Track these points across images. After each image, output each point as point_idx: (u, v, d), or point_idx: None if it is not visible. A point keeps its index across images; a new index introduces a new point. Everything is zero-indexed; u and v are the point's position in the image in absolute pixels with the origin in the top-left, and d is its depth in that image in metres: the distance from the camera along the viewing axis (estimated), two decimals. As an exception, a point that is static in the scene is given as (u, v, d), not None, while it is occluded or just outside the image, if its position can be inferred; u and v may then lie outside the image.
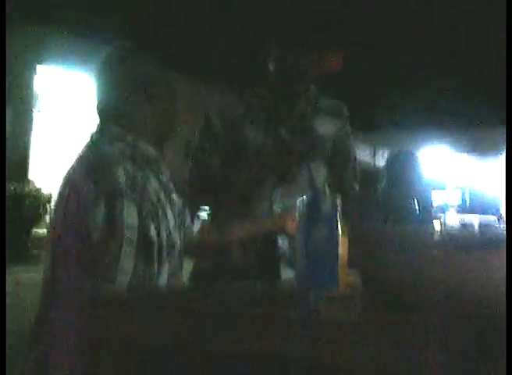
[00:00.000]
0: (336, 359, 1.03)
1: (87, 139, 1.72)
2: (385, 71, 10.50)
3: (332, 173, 2.57)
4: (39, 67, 9.32)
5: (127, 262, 1.51)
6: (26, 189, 8.01)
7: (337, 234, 1.34)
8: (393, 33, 8.47)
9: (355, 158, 2.72)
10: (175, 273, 1.71)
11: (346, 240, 1.51)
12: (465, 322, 1.04)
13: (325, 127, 2.53)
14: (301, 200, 1.33)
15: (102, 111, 1.71)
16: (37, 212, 8.04)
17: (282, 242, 2.32)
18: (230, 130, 2.47)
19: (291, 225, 1.92)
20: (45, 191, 8.31)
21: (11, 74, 8.46)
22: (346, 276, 1.51)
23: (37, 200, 8.06)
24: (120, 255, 1.50)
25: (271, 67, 2.44)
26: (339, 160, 2.60)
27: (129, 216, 1.53)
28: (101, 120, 1.71)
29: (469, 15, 7.83)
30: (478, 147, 13.75)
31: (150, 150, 1.70)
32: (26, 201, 7.86)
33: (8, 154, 7.43)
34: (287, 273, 2.25)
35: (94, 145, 1.67)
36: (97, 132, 1.72)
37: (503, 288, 1.10)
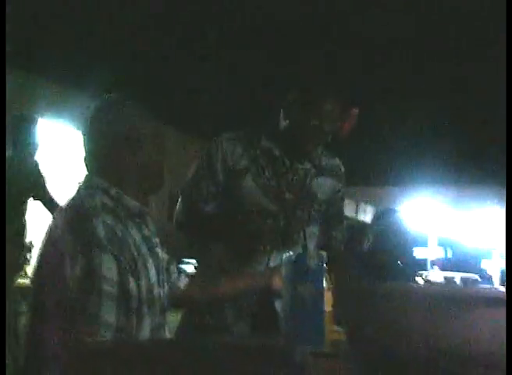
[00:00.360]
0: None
1: (73, 191, 1.73)
2: (372, 128, 10.65)
3: (322, 232, 2.55)
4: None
5: (109, 316, 1.51)
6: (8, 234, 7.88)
7: (323, 290, 1.35)
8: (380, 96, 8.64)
9: (345, 219, 2.70)
10: (158, 328, 1.70)
11: (331, 297, 1.51)
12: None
13: (325, 189, 2.49)
14: (288, 256, 1.34)
15: (88, 163, 1.72)
16: (16, 261, 7.90)
17: (277, 300, 2.26)
18: (231, 180, 2.40)
19: (279, 281, 1.91)
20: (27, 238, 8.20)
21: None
22: (332, 333, 1.51)
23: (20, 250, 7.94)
24: (101, 310, 1.50)
25: (283, 122, 2.39)
26: (332, 222, 2.59)
27: (108, 269, 1.53)
28: (87, 172, 1.72)
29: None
30: (462, 204, 13.90)
31: (133, 203, 1.70)
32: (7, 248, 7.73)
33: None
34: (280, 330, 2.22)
35: (77, 197, 1.68)
36: (82, 184, 1.72)
37: (492, 343, 1.11)
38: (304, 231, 2.36)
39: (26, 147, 5.51)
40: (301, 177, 2.44)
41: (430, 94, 9.02)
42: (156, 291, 1.69)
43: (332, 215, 2.56)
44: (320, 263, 1.34)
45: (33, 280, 1.64)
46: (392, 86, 8.63)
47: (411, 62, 7.76)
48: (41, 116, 9.30)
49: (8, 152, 5.41)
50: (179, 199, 2.51)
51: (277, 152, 2.38)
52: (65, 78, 8.89)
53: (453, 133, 10.48)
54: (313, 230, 2.45)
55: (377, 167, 13.80)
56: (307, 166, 2.46)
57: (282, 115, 2.39)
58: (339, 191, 2.57)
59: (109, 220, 1.60)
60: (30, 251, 8.94)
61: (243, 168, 2.41)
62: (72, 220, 1.59)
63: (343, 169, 2.59)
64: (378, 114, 9.91)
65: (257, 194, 2.35)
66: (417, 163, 12.39)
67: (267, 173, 2.38)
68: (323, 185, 2.49)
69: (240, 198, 2.37)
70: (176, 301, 1.89)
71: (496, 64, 6.49)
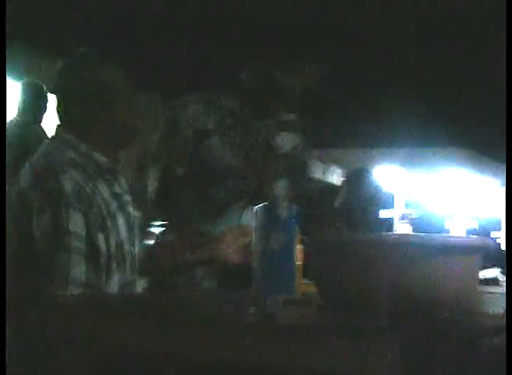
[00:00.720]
0: (292, 362, 1.04)
1: (41, 146, 1.70)
2: (342, 89, 10.66)
3: (289, 186, 2.59)
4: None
5: (77, 271, 1.51)
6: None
7: (294, 241, 1.37)
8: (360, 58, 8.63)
9: (310, 173, 2.75)
10: (128, 284, 1.70)
11: (302, 249, 1.53)
12: (417, 323, 1.07)
13: (286, 143, 2.54)
14: (260, 207, 1.35)
15: (58, 119, 1.70)
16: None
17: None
18: (199, 141, 2.44)
19: (247, 239, 1.92)
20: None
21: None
22: (301, 285, 1.54)
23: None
24: (70, 265, 1.50)
25: (245, 82, 2.42)
26: (297, 175, 2.63)
27: (75, 225, 1.52)
28: (56, 128, 1.70)
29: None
30: (428, 166, 14.06)
31: (103, 160, 1.68)
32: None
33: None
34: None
35: (45, 152, 1.65)
36: (51, 139, 1.70)
37: (458, 288, 1.15)
38: (273, 186, 2.40)
39: (31, 111, 5.47)
40: (264, 133, 2.49)
41: (396, 56, 9.06)
42: (126, 247, 1.68)
43: (296, 168, 2.62)
44: (291, 214, 1.35)
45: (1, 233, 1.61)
46: (365, 43, 8.64)
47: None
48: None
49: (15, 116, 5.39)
50: (150, 162, 2.52)
51: (240, 111, 2.43)
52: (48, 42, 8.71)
53: (420, 95, 10.56)
54: (281, 184, 2.49)
55: (345, 129, 13.89)
56: (269, 122, 2.51)
57: (243, 74, 2.43)
58: (297, 145, 2.61)
59: (77, 176, 1.58)
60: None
61: (209, 129, 2.43)
62: (40, 175, 1.57)
63: (302, 124, 2.63)
64: (350, 76, 9.94)
65: (225, 154, 2.39)
66: (385, 125, 12.49)
67: (232, 133, 2.42)
68: (284, 140, 2.54)
69: (208, 158, 2.39)
70: (144, 260, 1.89)
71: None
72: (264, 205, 1.37)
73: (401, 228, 8.19)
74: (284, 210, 1.33)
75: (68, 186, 1.54)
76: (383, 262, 1.21)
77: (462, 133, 9.95)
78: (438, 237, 1.31)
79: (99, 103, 1.68)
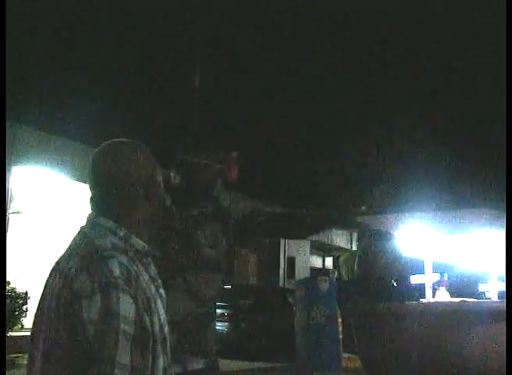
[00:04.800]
0: None
1: (79, 232, 1.72)
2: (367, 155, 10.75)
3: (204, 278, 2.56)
4: (14, 168, 9.34)
5: (125, 356, 1.48)
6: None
7: (337, 315, 1.34)
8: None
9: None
10: (168, 367, 1.68)
11: (341, 322, 1.50)
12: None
13: (209, 235, 2.51)
14: (301, 281, 1.33)
15: (96, 205, 1.72)
16: (12, 315, 7.83)
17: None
18: None
19: None
20: (22, 292, 8.14)
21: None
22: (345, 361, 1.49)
23: (14, 302, 7.87)
24: (117, 350, 1.47)
25: (172, 174, 2.49)
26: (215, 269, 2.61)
27: (126, 309, 1.51)
28: (93, 214, 1.72)
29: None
30: (457, 229, 13.93)
31: (142, 244, 1.70)
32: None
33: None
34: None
35: (86, 238, 1.66)
36: (89, 225, 1.71)
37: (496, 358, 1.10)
38: (185, 277, 2.40)
39: None
40: (188, 225, 2.50)
41: (424, 121, 9.12)
42: (166, 330, 1.68)
43: (216, 261, 2.58)
44: (331, 288, 1.32)
45: (40, 321, 1.60)
46: (390, 108, 8.72)
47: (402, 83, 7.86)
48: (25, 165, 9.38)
49: None
50: None
51: (168, 202, 2.45)
52: (53, 127, 8.99)
53: (448, 158, 10.58)
54: (192, 276, 2.47)
55: (372, 193, 13.85)
56: (195, 213, 2.52)
57: (171, 168, 2.47)
58: (225, 234, 2.59)
59: (123, 260, 1.58)
60: (26, 303, 8.87)
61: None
62: (87, 260, 1.56)
63: (233, 211, 2.62)
64: (374, 142, 10.03)
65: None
66: (412, 190, 12.47)
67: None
68: (208, 231, 2.52)
69: None
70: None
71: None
72: (306, 278, 1.35)
73: (437, 293, 8.02)
74: (325, 283, 1.31)
75: (116, 269, 1.54)
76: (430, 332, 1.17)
77: (492, 194, 9.87)
78: (476, 303, 1.27)
79: (135, 192, 1.72)
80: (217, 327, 8.64)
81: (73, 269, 1.55)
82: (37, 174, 9.77)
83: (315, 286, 1.26)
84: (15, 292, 8.13)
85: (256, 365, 9.04)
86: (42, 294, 1.65)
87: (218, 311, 10.37)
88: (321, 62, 6.90)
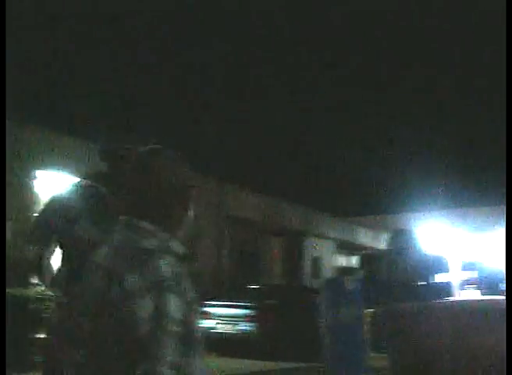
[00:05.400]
0: None
1: (118, 232, 1.73)
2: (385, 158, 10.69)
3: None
4: (39, 172, 9.43)
5: (172, 355, 1.52)
6: (30, 293, 7.91)
7: (363, 315, 1.32)
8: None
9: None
10: (204, 366, 1.70)
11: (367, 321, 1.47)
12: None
13: None
14: (328, 281, 1.31)
15: (136, 209, 1.74)
16: (39, 318, 7.89)
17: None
18: None
19: None
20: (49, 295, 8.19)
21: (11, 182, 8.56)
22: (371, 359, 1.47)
23: (40, 305, 7.94)
24: (165, 349, 1.51)
25: None
26: None
27: (174, 309, 1.55)
28: (132, 217, 1.72)
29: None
30: (483, 227, 13.78)
31: (181, 247, 1.73)
32: (30, 306, 7.74)
33: (8, 260, 7.37)
34: None
35: (129, 239, 1.68)
36: (129, 227, 1.73)
37: None
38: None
39: None
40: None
41: (439, 125, 9.05)
42: (201, 330, 1.70)
43: None
44: (357, 287, 1.31)
45: (89, 322, 1.62)
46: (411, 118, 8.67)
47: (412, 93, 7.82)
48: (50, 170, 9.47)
49: None
50: None
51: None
52: (77, 131, 9.06)
53: (474, 153, 10.46)
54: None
55: (391, 195, 13.79)
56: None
57: None
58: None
59: (169, 261, 1.63)
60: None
61: None
62: (135, 260, 1.60)
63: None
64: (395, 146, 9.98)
65: None
66: (436, 187, 12.35)
67: None
68: None
69: None
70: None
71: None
72: (331, 278, 1.33)
73: (467, 292, 7.90)
74: (351, 283, 1.29)
75: (165, 270, 1.58)
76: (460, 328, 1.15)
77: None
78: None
79: (175, 197, 1.75)
80: (243, 327, 8.64)
81: (122, 269, 1.59)
82: (61, 178, 9.87)
83: (341, 286, 1.25)
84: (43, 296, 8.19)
85: (282, 365, 9.02)
86: (81, 291, 1.67)
87: (244, 311, 10.40)
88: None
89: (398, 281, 3.50)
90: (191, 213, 1.80)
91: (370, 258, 12.38)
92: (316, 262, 18.35)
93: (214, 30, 6.07)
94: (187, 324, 1.57)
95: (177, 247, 1.71)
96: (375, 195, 14.05)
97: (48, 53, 6.67)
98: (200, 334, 1.64)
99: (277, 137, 9.88)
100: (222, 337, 9.57)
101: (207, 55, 6.71)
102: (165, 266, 1.59)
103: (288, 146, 10.43)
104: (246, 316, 10.09)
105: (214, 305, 10.06)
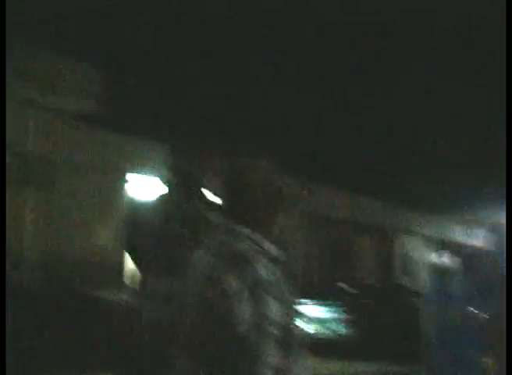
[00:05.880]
0: None
1: (214, 236, 1.79)
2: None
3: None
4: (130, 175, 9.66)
5: (271, 356, 1.54)
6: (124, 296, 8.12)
7: (471, 317, 1.21)
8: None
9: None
10: (305, 369, 1.68)
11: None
12: None
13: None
14: (431, 278, 1.22)
15: (231, 212, 1.77)
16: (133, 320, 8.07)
17: None
18: None
19: None
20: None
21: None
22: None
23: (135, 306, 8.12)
24: (265, 350, 1.53)
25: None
26: None
27: (273, 311, 1.57)
28: (229, 221, 1.76)
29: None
30: None
31: (276, 250, 1.74)
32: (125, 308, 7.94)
33: (103, 262, 7.58)
34: None
35: (223, 242, 1.72)
36: (223, 231, 1.76)
37: None
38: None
39: None
40: None
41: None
42: (301, 333, 1.70)
43: None
44: (464, 287, 1.20)
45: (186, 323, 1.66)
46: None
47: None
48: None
49: None
50: None
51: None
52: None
53: None
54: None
55: (490, 192, 13.32)
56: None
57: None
58: None
59: (267, 264, 1.65)
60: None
61: None
62: (233, 263, 1.63)
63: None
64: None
65: None
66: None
67: None
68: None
69: None
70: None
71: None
72: (434, 277, 1.23)
73: None
74: (456, 283, 1.19)
75: (263, 272, 1.61)
76: None
77: None
78: None
79: (269, 202, 1.78)
80: (334, 328, 8.54)
81: (220, 271, 1.61)
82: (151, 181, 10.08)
83: (446, 286, 1.14)
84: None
85: (375, 367, 8.85)
86: (178, 294, 1.71)
87: (336, 311, 10.30)
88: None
89: (501, 281, 3.32)
90: (283, 215, 1.82)
91: (471, 257, 11.97)
92: (410, 260, 17.99)
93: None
94: (286, 327, 1.57)
95: (272, 249, 1.72)
96: (472, 192, 13.66)
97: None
98: (301, 338, 1.63)
99: (366, 135, 9.77)
100: (314, 337, 9.53)
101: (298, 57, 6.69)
102: (262, 268, 1.60)
103: (378, 143, 10.29)
104: (338, 316, 10.00)
105: (305, 306, 10.03)
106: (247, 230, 1.73)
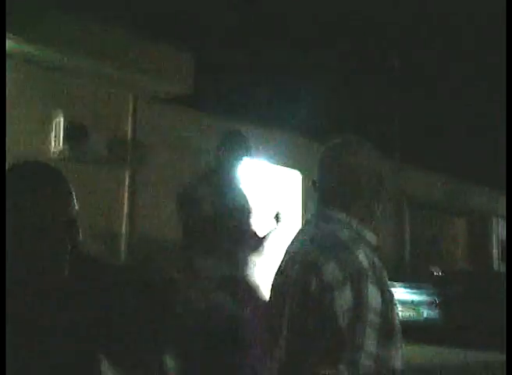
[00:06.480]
0: None
1: (308, 223, 1.76)
2: None
3: None
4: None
5: (372, 346, 1.52)
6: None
7: None
8: None
9: None
10: (401, 356, 1.66)
11: None
12: None
13: None
14: None
15: (327, 197, 1.73)
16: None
17: None
18: None
19: None
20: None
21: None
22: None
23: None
24: (366, 339, 1.51)
25: None
26: None
27: (374, 300, 1.54)
28: (324, 206, 1.73)
29: None
30: None
31: (374, 237, 1.71)
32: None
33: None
34: None
35: (321, 229, 1.69)
36: (319, 217, 1.73)
37: None
38: None
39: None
40: None
41: None
42: (398, 322, 1.67)
43: None
44: None
45: (282, 313, 1.63)
46: None
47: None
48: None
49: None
50: None
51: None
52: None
53: None
54: None
55: None
56: None
57: None
58: None
59: (367, 252, 1.61)
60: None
61: None
62: (334, 252, 1.59)
63: None
64: None
65: None
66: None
67: None
68: None
69: None
70: None
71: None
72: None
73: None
74: None
75: (364, 261, 1.57)
76: None
77: None
78: None
79: (369, 186, 1.72)
80: (426, 315, 8.35)
81: (320, 260, 1.58)
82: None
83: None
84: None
85: (465, 354, 8.62)
86: (277, 284, 1.69)
87: (428, 297, 10.09)
88: None
89: None
90: (383, 202, 1.77)
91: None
92: (505, 243, 17.30)
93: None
94: (385, 315, 1.55)
95: (371, 237, 1.69)
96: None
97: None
98: (399, 326, 1.60)
99: (461, 114, 9.47)
100: (405, 323, 9.36)
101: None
102: (362, 256, 1.57)
103: (473, 122, 9.95)
104: (429, 301, 9.81)
105: (396, 291, 9.86)
106: (346, 218, 1.68)
